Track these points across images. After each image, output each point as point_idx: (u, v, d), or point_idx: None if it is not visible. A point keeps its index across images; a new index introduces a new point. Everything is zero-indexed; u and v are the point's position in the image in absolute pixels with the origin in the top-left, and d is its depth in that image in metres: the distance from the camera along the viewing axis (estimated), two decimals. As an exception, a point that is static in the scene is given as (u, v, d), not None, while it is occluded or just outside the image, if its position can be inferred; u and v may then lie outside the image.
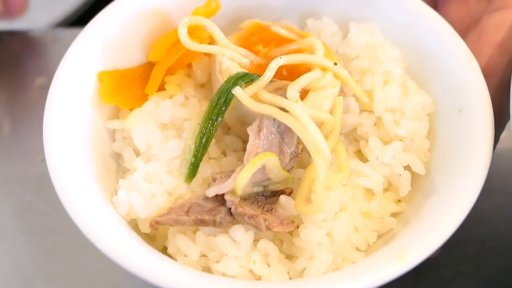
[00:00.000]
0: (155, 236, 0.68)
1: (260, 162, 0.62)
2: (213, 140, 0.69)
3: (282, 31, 0.73)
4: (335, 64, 0.69)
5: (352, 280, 0.57)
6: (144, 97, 0.72)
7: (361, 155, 0.71)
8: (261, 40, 0.74)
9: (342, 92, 0.71)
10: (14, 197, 0.86)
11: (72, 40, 0.72)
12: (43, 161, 0.81)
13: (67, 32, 0.76)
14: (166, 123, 0.70)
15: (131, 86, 0.74)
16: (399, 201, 0.70)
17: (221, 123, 0.68)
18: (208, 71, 0.74)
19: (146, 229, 0.66)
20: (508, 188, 0.84)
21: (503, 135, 0.83)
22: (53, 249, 0.81)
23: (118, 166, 0.72)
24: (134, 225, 0.67)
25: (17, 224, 0.84)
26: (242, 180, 0.62)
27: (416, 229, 0.63)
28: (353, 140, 0.72)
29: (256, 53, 0.72)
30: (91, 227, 0.61)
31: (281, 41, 0.73)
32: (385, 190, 0.70)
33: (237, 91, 0.66)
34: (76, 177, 0.65)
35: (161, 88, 0.73)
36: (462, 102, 0.69)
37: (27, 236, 0.82)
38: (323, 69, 0.69)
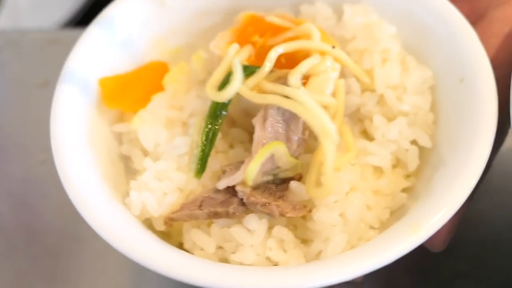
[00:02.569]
0: (170, 233, 0.69)
1: (268, 152, 0.63)
2: (219, 135, 0.69)
3: (277, 20, 0.73)
4: (333, 47, 0.69)
5: (368, 257, 0.58)
6: (147, 98, 0.73)
7: (366, 135, 0.71)
8: (256, 31, 0.73)
9: (342, 74, 0.71)
10: (14, 197, 0.87)
11: (73, 41, 0.73)
12: (43, 161, 0.81)
13: (68, 32, 0.76)
14: (172, 119, 0.71)
15: (133, 89, 0.74)
16: (408, 176, 0.70)
17: (226, 117, 0.68)
18: (207, 66, 0.74)
19: (160, 227, 0.67)
20: (509, 188, 0.84)
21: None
22: (53, 249, 0.81)
23: (126, 169, 0.73)
24: (148, 224, 0.67)
25: (17, 224, 0.84)
26: (252, 171, 0.62)
27: (426, 202, 0.63)
28: (358, 121, 0.73)
29: (253, 44, 0.72)
30: (107, 229, 0.61)
31: (277, 30, 0.73)
32: (394, 166, 0.70)
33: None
34: (87, 183, 0.65)
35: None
36: (462, 71, 0.69)
37: (27, 236, 0.82)
38: (322, 53, 0.69)
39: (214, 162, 0.69)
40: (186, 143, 0.68)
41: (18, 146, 0.91)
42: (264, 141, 0.64)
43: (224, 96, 0.66)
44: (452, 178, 0.62)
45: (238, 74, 0.66)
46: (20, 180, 0.88)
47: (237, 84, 0.65)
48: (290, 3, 0.80)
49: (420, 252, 0.77)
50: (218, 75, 0.67)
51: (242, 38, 0.72)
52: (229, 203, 0.64)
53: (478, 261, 0.77)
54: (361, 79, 0.71)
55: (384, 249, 0.59)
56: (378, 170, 0.69)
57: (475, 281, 0.76)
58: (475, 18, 0.76)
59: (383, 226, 0.67)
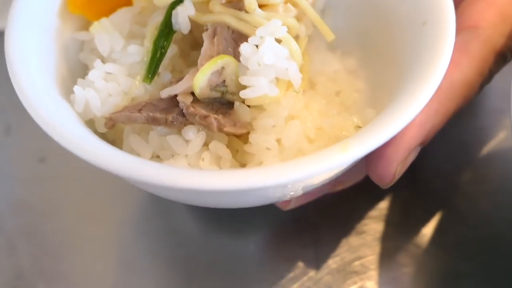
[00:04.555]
0: (115, 142, 0.69)
1: (221, 62, 0.63)
2: (179, 53, 0.69)
3: None
4: None
5: (294, 168, 0.57)
6: (114, 10, 0.72)
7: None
8: None
9: None
10: (14, 197, 0.86)
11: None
12: (43, 161, 0.81)
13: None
14: (134, 33, 0.71)
15: (100, 1, 0.74)
16: (358, 126, 0.68)
17: (190, 39, 0.69)
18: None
19: (102, 128, 0.67)
20: (509, 188, 0.83)
21: (503, 136, 0.83)
22: (53, 249, 0.81)
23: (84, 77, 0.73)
24: (93, 130, 0.67)
25: (17, 224, 0.84)
26: (201, 77, 0.62)
27: (361, 131, 0.62)
28: None
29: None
30: (50, 123, 0.61)
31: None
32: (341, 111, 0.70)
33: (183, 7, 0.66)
34: (36, 81, 0.65)
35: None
36: (425, 15, 0.69)
37: (27, 236, 0.82)
38: None
39: (167, 76, 0.69)
40: (141, 53, 0.68)
41: (18, 146, 0.91)
42: (211, 54, 0.64)
43: None
44: (391, 112, 0.62)
45: None
46: (20, 180, 0.88)
47: None
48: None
49: (420, 252, 0.78)
50: None
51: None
52: (169, 112, 0.64)
53: (478, 262, 0.77)
54: (320, 29, 0.69)
55: (310, 163, 0.58)
56: (325, 113, 0.69)
57: (475, 281, 0.76)
58: None
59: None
